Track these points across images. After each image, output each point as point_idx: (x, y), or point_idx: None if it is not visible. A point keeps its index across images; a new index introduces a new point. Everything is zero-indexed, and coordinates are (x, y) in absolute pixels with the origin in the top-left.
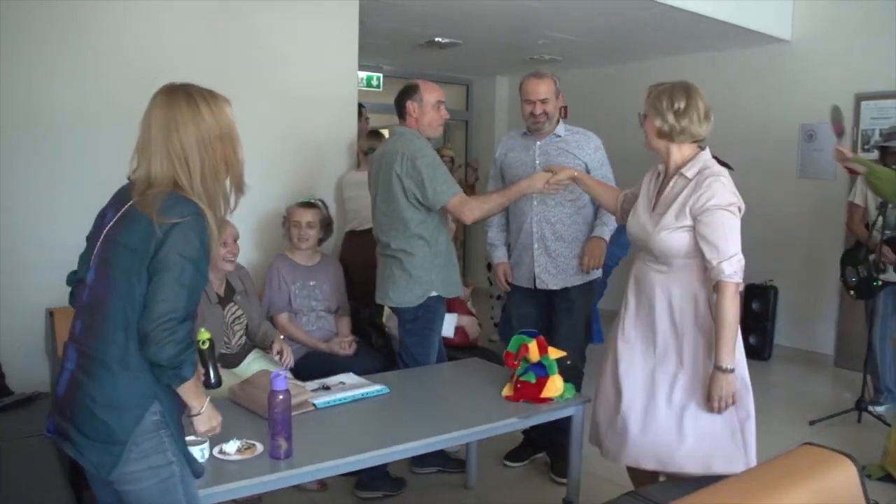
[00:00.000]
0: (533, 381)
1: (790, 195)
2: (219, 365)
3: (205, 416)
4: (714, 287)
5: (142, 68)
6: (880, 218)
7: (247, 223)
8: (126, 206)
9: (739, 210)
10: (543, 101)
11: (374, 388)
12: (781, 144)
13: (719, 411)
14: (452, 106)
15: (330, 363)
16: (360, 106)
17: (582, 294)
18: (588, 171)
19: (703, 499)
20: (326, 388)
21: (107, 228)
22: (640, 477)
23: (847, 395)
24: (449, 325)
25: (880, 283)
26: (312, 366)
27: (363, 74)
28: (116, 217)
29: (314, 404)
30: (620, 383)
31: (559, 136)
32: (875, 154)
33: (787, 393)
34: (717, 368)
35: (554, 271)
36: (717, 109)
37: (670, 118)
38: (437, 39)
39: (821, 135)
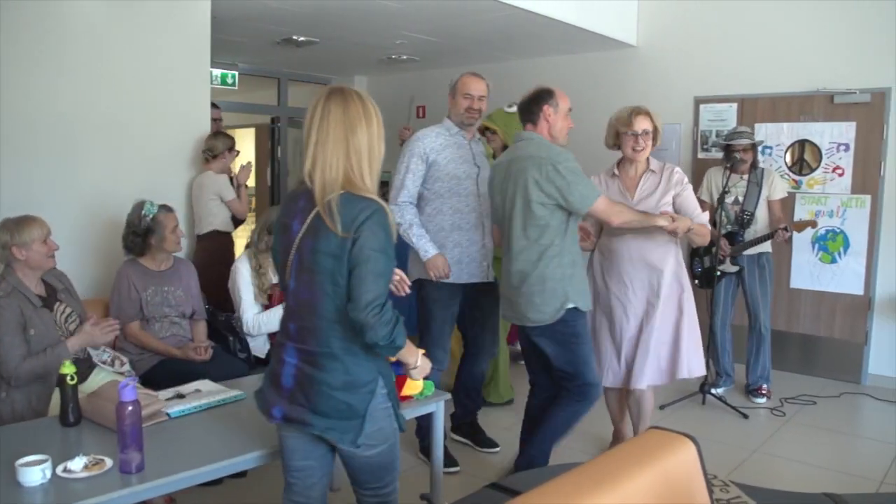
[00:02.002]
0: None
1: None
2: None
3: (420, 367)
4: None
5: None
6: (723, 212)
7: (90, 226)
8: (312, 217)
9: None
10: (480, 99)
11: (232, 395)
12: None
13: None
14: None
15: (185, 370)
16: (213, 105)
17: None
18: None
19: (558, 486)
20: (181, 396)
21: (297, 239)
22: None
23: (692, 380)
24: (279, 318)
25: (720, 273)
26: (166, 374)
27: (217, 72)
28: (305, 228)
29: (168, 414)
30: (634, 331)
31: (481, 136)
32: (713, 153)
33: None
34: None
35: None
36: (575, 111)
37: None
38: (293, 37)
39: (666, 135)
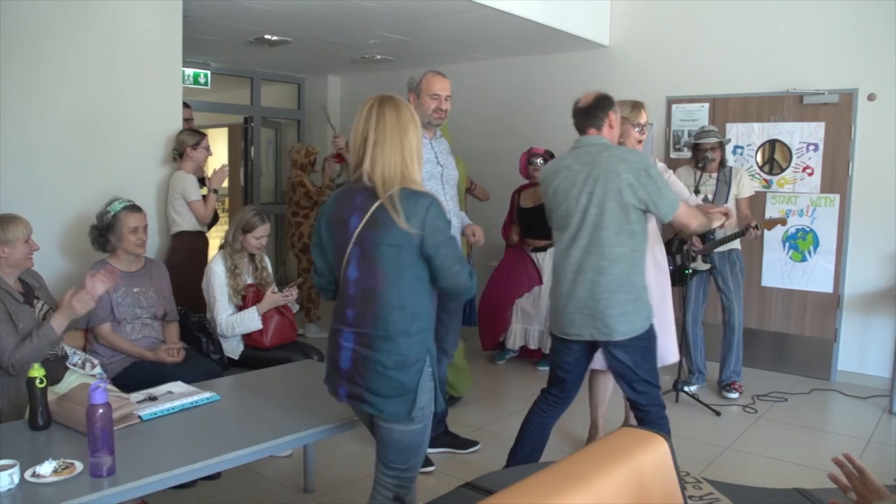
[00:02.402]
0: None
1: None
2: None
3: None
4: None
5: None
6: None
7: (58, 225)
8: (373, 211)
9: None
10: (447, 99)
11: (205, 396)
12: None
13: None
14: (284, 105)
15: (157, 372)
16: (184, 105)
17: None
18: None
19: (531, 485)
20: (153, 398)
21: (357, 232)
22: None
23: (666, 378)
24: (252, 319)
25: (691, 271)
26: (138, 376)
27: (190, 71)
28: (365, 221)
29: (140, 416)
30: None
31: (439, 136)
32: (685, 152)
33: (612, 381)
34: None
35: None
36: (550, 109)
37: None
38: (266, 37)
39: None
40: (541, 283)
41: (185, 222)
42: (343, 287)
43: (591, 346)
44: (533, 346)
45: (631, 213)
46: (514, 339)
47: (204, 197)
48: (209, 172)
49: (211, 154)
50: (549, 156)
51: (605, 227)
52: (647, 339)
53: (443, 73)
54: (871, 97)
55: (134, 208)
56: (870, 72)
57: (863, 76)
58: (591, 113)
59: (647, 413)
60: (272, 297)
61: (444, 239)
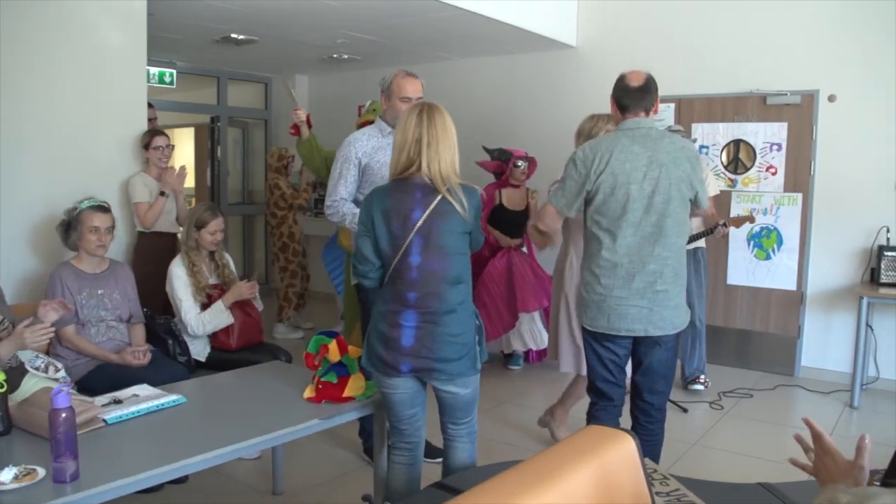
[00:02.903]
0: (335, 381)
1: None
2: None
3: None
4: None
5: None
6: None
7: (22, 226)
8: (436, 203)
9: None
10: (418, 101)
11: (171, 399)
12: (570, 143)
13: None
14: (252, 104)
15: (123, 375)
16: (148, 104)
17: None
18: None
19: (499, 484)
20: (118, 401)
21: (420, 222)
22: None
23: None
24: (221, 314)
25: None
26: (103, 379)
27: (155, 70)
28: (429, 212)
29: (105, 420)
30: None
31: None
32: None
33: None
34: None
35: None
36: (518, 109)
37: None
38: (232, 35)
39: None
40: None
41: (167, 223)
42: (402, 273)
43: (633, 343)
44: (508, 350)
45: (687, 203)
46: (507, 343)
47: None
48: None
49: (166, 154)
50: (528, 159)
51: (671, 215)
52: (675, 345)
53: (414, 73)
54: (831, 98)
55: (100, 209)
56: (830, 73)
57: (824, 78)
58: (646, 94)
59: (657, 414)
60: (237, 289)
61: (477, 221)
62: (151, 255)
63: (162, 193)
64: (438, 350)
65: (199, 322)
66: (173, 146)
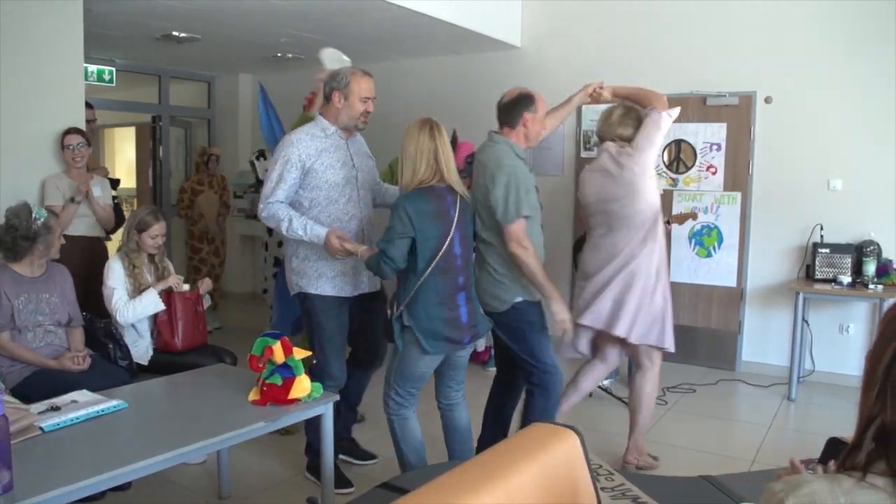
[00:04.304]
0: (280, 382)
1: None
2: None
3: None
4: None
5: None
6: None
7: None
8: (460, 203)
9: None
10: (373, 100)
11: (111, 405)
12: None
13: None
14: (194, 103)
15: (61, 381)
16: (87, 105)
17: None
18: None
19: (445, 484)
20: (56, 408)
21: (455, 220)
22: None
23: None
24: (152, 299)
25: None
26: (40, 385)
27: (93, 68)
28: (459, 212)
29: (41, 428)
30: None
31: (355, 135)
32: (595, 152)
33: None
34: None
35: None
36: (465, 108)
37: None
38: (174, 33)
39: (550, 135)
40: None
41: (91, 227)
42: (450, 262)
43: None
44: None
45: (488, 210)
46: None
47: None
48: (113, 173)
49: (79, 153)
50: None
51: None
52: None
53: (369, 72)
54: (767, 100)
55: (56, 214)
56: (767, 75)
57: (761, 79)
58: (507, 111)
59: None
60: (173, 279)
61: None
62: (70, 259)
63: (72, 199)
64: (480, 318)
65: (129, 308)
66: (89, 145)
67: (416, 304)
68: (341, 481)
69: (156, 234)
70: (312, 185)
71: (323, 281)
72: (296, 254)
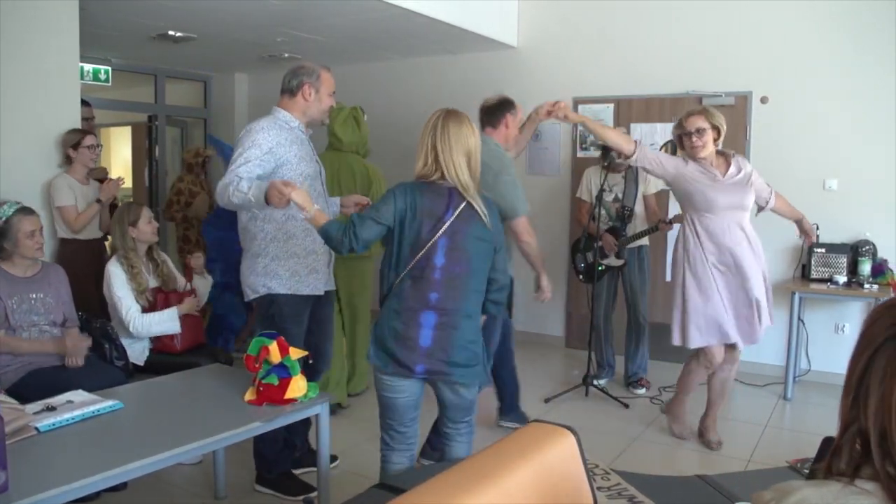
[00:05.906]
0: (276, 383)
1: None
2: None
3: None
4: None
5: None
6: (603, 210)
7: None
8: (462, 207)
9: None
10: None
11: (107, 405)
12: None
13: None
14: (190, 103)
15: (58, 381)
16: (84, 103)
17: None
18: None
19: (441, 483)
20: (51, 408)
21: (448, 223)
22: None
23: (576, 373)
24: (172, 320)
25: (604, 267)
26: (36, 385)
27: (89, 67)
28: (456, 215)
29: (37, 428)
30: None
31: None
32: (591, 151)
33: (524, 375)
34: None
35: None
36: (461, 108)
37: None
38: (170, 33)
39: (546, 134)
40: None
41: (64, 229)
42: (426, 272)
43: None
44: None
45: None
46: None
47: (99, 201)
48: (113, 174)
49: (95, 154)
50: None
51: None
52: None
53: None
54: (763, 100)
55: (27, 211)
56: (763, 75)
57: (756, 80)
58: (492, 113)
59: None
60: (191, 305)
61: (503, 240)
62: (76, 261)
63: (98, 200)
64: (453, 354)
65: (145, 323)
66: (101, 146)
67: (382, 309)
68: (302, 487)
69: (148, 218)
70: (287, 176)
71: (296, 280)
72: (264, 252)
